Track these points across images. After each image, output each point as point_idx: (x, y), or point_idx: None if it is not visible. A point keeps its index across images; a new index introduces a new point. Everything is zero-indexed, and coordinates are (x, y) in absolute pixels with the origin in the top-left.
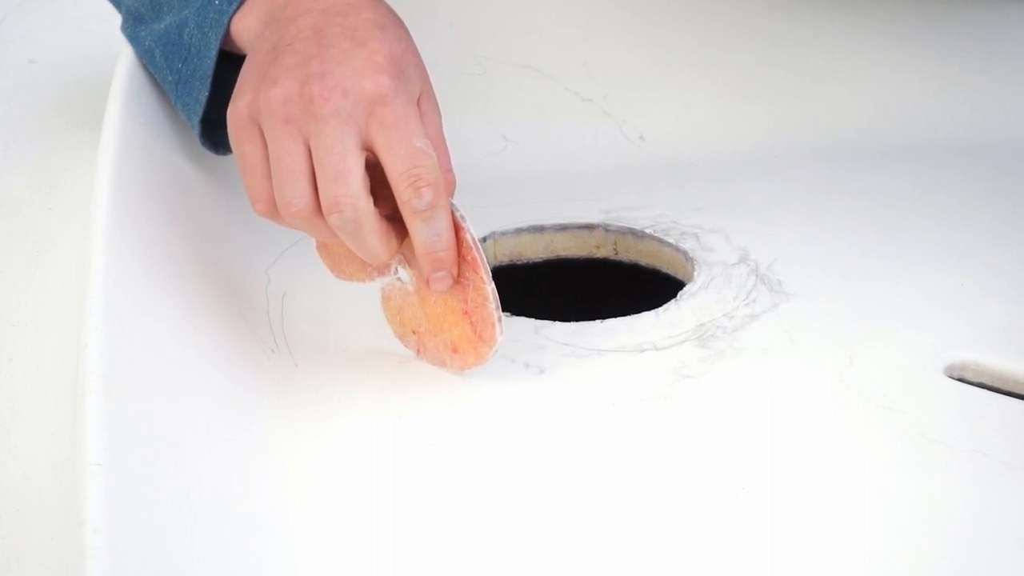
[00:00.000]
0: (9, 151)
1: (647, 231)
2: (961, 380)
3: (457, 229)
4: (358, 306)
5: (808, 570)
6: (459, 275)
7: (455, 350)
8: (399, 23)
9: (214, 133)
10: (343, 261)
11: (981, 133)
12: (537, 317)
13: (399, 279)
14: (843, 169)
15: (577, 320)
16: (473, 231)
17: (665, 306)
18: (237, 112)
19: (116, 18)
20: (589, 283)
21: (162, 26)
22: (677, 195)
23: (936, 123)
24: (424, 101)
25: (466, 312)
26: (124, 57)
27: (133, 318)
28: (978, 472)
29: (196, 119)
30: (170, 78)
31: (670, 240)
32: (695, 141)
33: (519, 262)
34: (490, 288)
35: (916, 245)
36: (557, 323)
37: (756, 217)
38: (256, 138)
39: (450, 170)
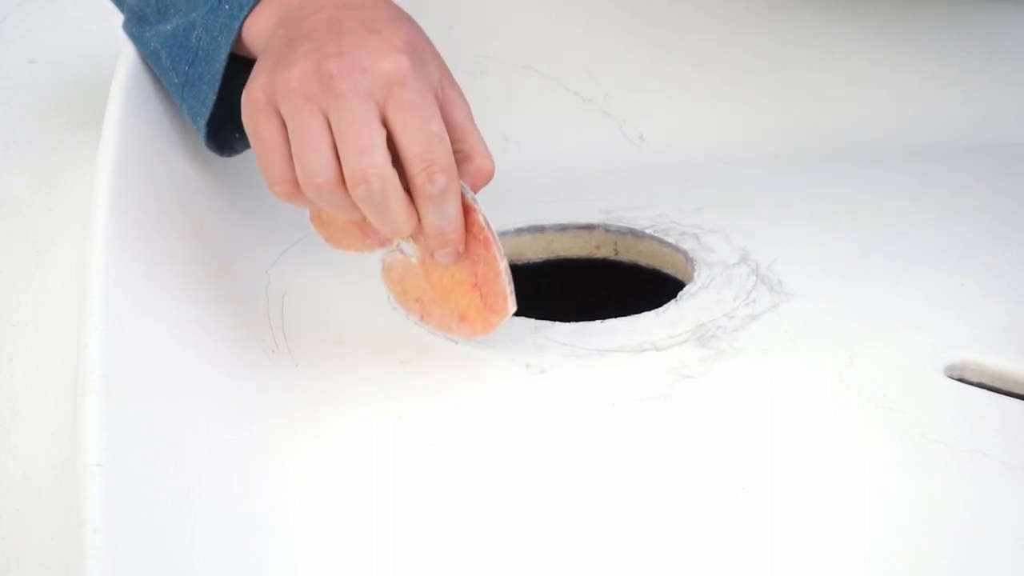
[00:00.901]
0: (9, 151)
1: (647, 231)
2: (961, 380)
3: (468, 211)
4: (358, 306)
5: (808, 570)
6: (470, 252)
7: (463, 319)
8: (412, 19)
9: (219, 135)
10: (339, 232)
11: (981, 133)
12: (537, 317)
13: (400, 251)
14: (843, 169)
15: (577, 320)
16: (484, 212)
17: (665, 306)
18: (252, 95)
19: (116, 18)
20: (589, 283)
21: (168, 28)
22: (677, 195)
23: (936, 123)
24: (448, 88)
25: (476, 285)
26: (125, 57)
27: (133, 318)
28: (978, 472)
29: (202, 122)
30: (176, 80)
31: (670, 240)
32: (695, 141)
33: (519, 262)
34: (503, 264)
35: (916, 245)
36: (557, 323)
37: (756, 217)
38: (273, 119)
39: (488, 156)
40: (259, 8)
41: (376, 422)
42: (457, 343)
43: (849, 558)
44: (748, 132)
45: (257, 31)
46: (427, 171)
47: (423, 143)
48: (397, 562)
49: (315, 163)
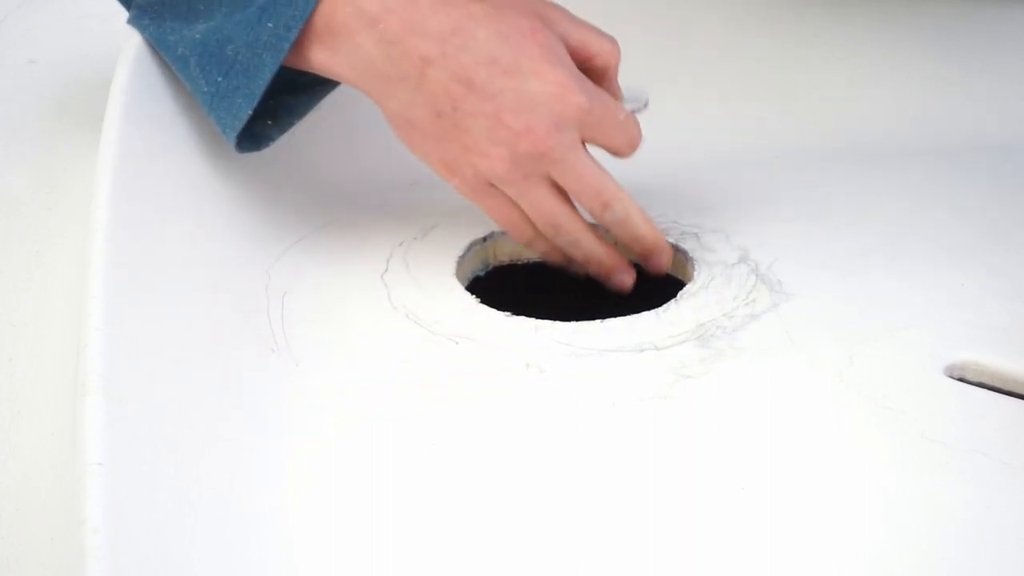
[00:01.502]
0: (9, 151)
1: None
2: (961, 380)
3: None
4: (358, 306)
5: (808, 570)
6: None
7: None
8: (503, 12)
9: (249, 127)
10: None
11: (981, 133)
12: (537, 317)
13: None
14: (843, 169)
15: (577, 320)
16: None
17: (665, 306)
18: (469, 183)
19: (116, 18)
20: (589, 283)
21: (196, 36)
22: (677, 195)
23: (936, 123)
24: (575, 34)
25: None
26: (125, 56)
27: (133, 318)
28: (978, 472)
29: (233, 134)
30: (205, 89)
31: (671, 240)
32: (695, 141)
33: (519, 262)
34: None
35: (916, 245)
36: (557, 323)
37: (756, 217)
38: (498, 196)
39: (612, 39)
40: (311, 34)
41: (376, 422)
42: (457, 343)
43: (849, 558)
44: (748, 132)
45: (310, 56)
46: (633, 148)
47: (625, 136)
48: (397, 562)
49: (564, 224)
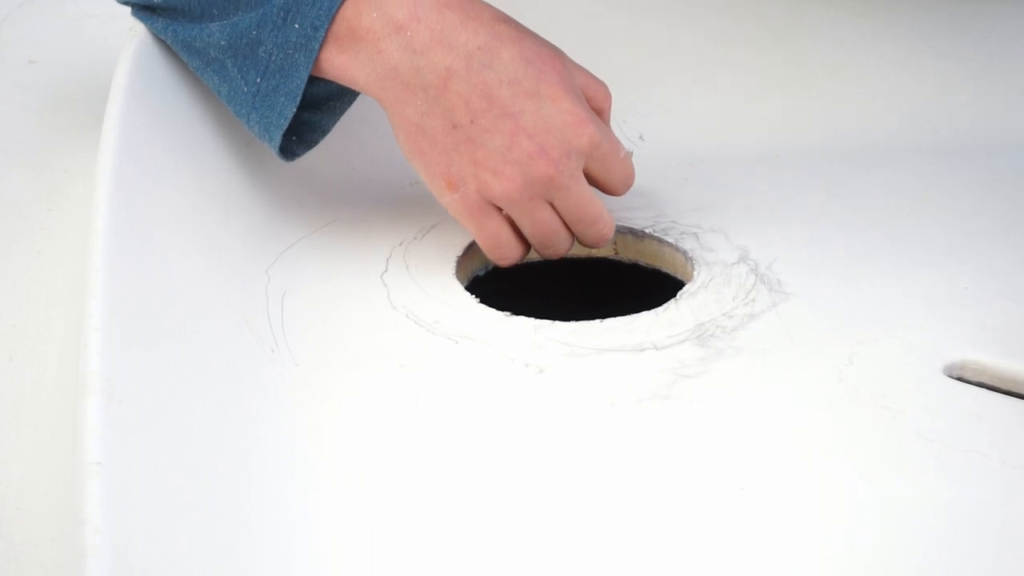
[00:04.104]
0: (9, 151)
1: (647, 231)
2: (960, 380)
3: None
4: (358, 306)
5: (807, 570)
6: None
7: None
8: (525, 37)
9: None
10: None
11: (982, 133)
12: (537, 317)
13: None
14: (843, 169)
15: (577, 320)
16: None
17: (664, 306)
18: (468, 200)
19: (116, 19)
20: (589, 283)
21: (222, 40)
22: (677, 195)
23: (937, 123)
24: (585, 83)
25: None
26: (125, 57)
27: (133, 318)
28: (978, 472)
29: (279, 132)
30: (246, 89)
31: (670, 240)
32: (695, 141)
33: (519, 262)
34: None
35: (916, 245)
36: (557, 323)
37: (756, 217)
38: (494, 215)
39: (605, 84)
40: (334, 40)
41: (375, 422)
42: (457, 343)
43: (848, 558)
44: (748, 131)
45: (334, 64)
46: (627, 187)
47: (622, 174)
48: (397, 561)
49: (558, 244)
